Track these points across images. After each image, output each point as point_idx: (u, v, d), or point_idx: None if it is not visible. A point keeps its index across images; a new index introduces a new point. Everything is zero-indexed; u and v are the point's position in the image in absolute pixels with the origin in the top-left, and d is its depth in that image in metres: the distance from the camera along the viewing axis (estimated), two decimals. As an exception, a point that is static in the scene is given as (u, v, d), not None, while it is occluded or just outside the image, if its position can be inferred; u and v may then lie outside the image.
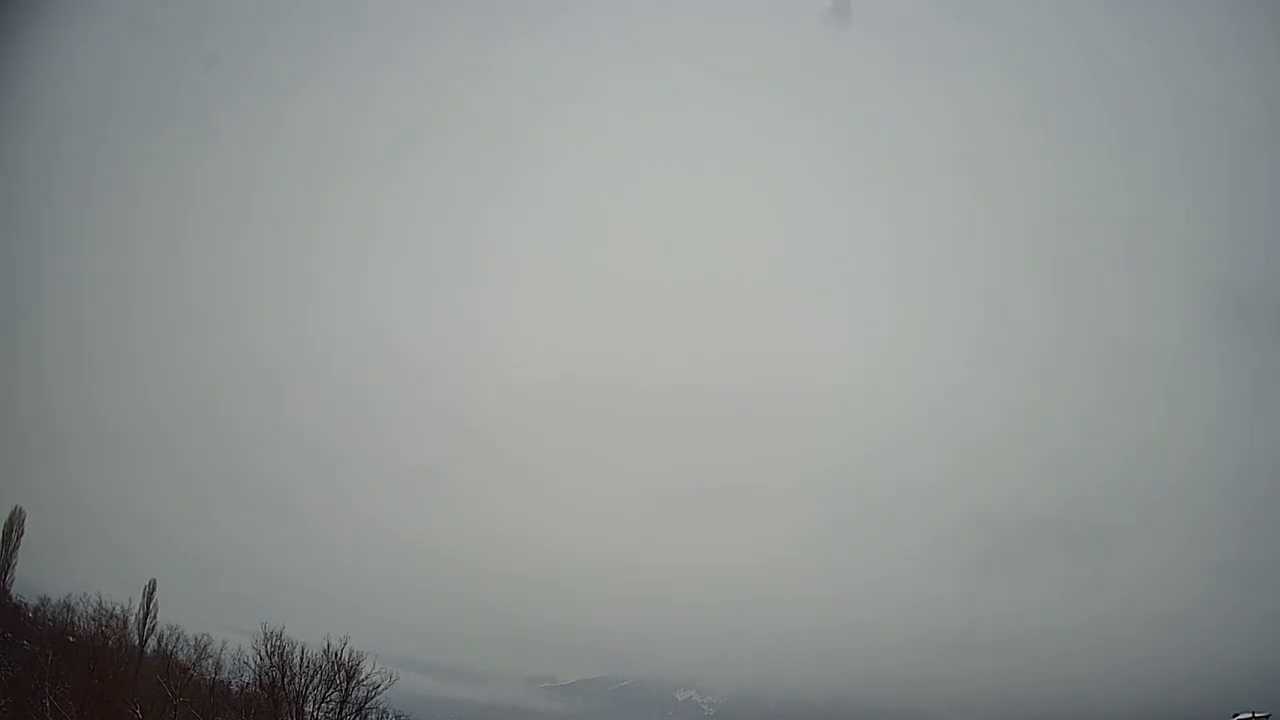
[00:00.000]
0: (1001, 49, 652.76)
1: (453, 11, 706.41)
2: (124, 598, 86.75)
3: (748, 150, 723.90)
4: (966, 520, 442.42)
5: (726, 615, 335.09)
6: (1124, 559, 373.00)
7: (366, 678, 74.80)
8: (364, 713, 76.33)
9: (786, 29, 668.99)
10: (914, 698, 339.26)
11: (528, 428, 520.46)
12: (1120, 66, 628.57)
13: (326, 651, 74.31)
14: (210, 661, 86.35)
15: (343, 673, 74.23)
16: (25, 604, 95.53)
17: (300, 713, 73.52)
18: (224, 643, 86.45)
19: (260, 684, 74.32)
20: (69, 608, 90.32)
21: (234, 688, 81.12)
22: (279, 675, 73.20)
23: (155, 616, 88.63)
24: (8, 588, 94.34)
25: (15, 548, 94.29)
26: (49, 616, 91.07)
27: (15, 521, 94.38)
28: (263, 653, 74.14)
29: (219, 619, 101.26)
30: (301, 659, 74.19)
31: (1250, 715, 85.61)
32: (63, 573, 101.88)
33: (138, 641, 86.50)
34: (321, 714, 74.72)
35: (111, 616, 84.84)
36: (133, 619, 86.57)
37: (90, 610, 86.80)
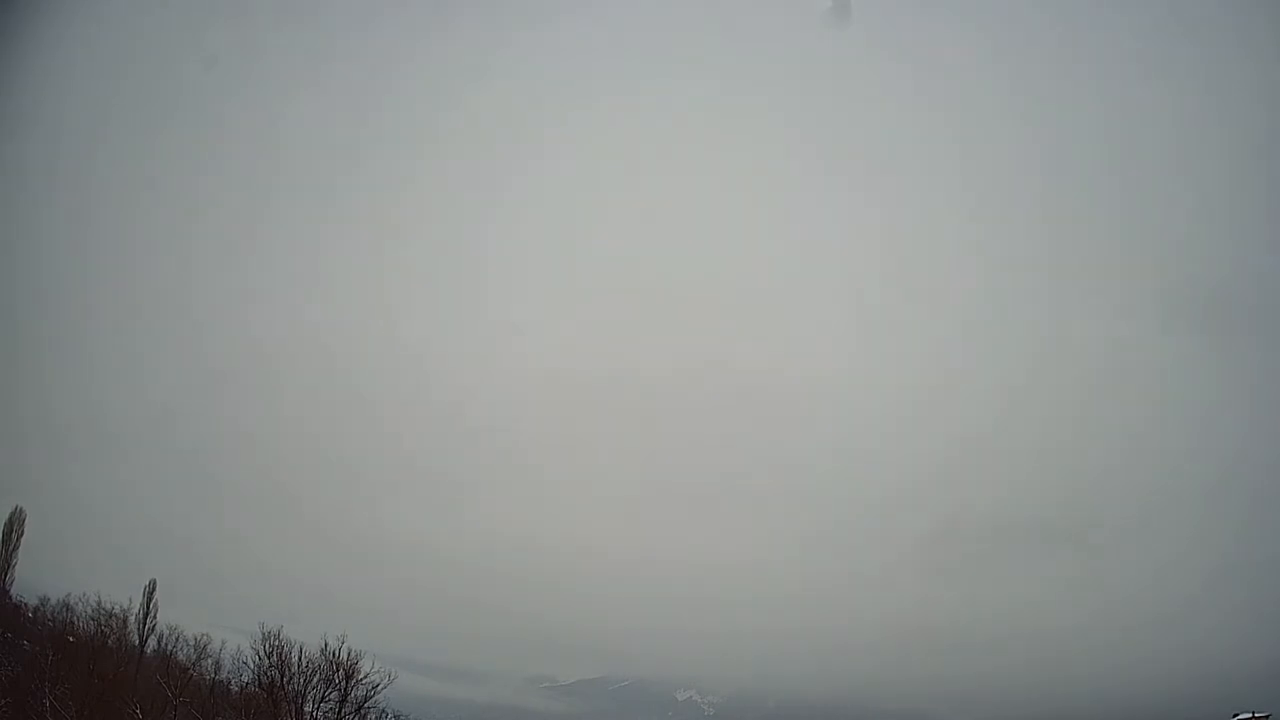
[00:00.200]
0: (996, 47, 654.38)
1: (458, 12, 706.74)
2: (124, 598, 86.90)
3: (744, 147, 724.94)
4: (962, 517, 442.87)
5: (726, 615, 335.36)
6: (1122, 558, 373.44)
7: (365, 677, 75.11)
8: (363, 712, 76.43)
9: (783, 28, 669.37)
10: (914, 698, 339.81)
11: (528, 427, 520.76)
12: (1114, 62, 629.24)
13: (325, 651, 74.61)
14: (210, 661, 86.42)
15: (341, 672, 74.37)
16: (25, 604, 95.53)
17: (299, 712, 73.61)
18: (223, 643, 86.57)
19: (259, 684, 74.42)
20: (69, 608, 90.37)
21: (234, 688, 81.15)
22: (278, 675, 73.34)
23: (155, 616, 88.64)
24: (8, 588, 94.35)
25: (15, 548, 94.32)
26: (49, 616, 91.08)
27: (15, 521, 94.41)
28: (262, 653, 74.43)
29: (219, 619, 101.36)
30: (300, 659, 74.41)
31: (1250, 715, 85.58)
32: (63, 573, 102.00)
33: (138, 641, 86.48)
34: (320, 714, 74.84)
35: (111, 616, 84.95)
36: (133, 619, 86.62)
37: (90, 610, 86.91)
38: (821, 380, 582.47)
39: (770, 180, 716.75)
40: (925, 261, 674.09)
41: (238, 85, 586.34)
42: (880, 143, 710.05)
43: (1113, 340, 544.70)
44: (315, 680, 74.42)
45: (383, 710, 79.82)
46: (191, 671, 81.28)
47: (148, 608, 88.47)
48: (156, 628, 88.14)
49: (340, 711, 74.82)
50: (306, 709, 74.24)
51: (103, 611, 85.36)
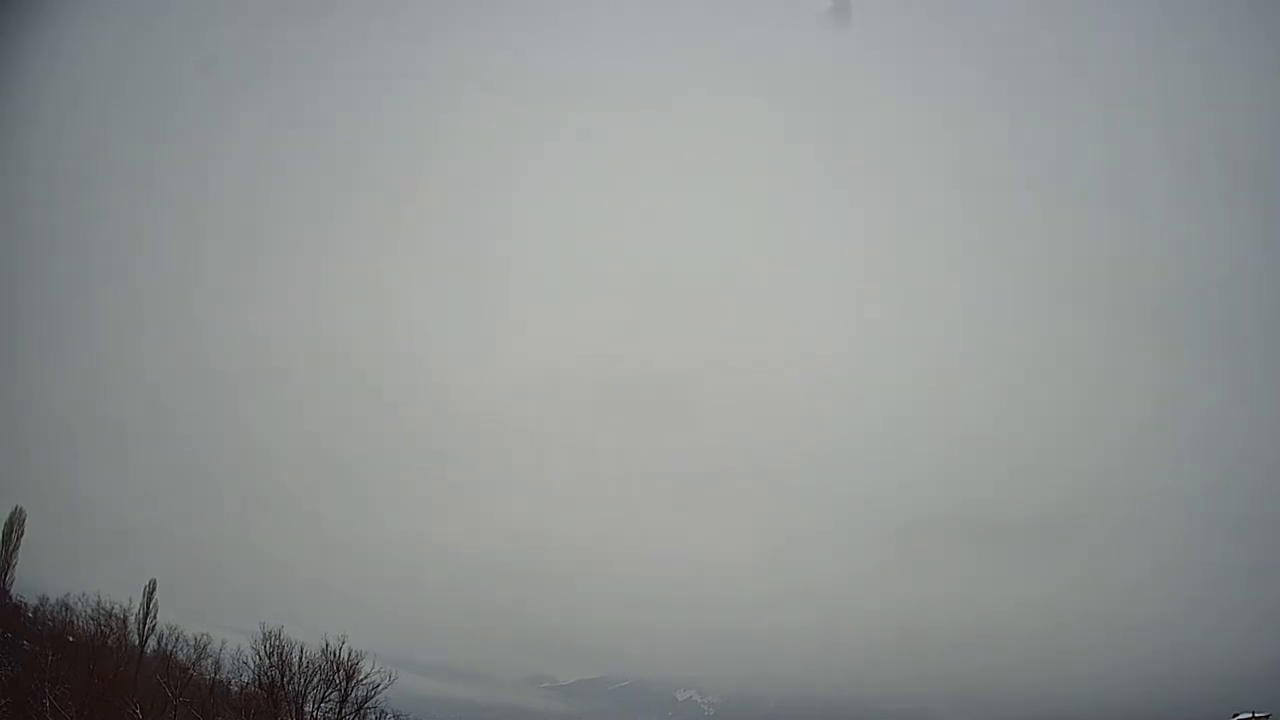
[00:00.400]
0: (996, 47, 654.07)
1: (460, 12, 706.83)
2: (124, 598, 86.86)
3: (744, 146, 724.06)
4: (962, 517, 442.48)
5: (727, 615, 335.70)
6: (1122, 557, 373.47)
7: (366, 677, 75.15)
8: (363, 712, 76.46)
9: (783, 29, 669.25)
10: (914, 698, 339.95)
11: (529, 427, 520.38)
12: (1113, 62, 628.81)
13: (325, 651, 74.64)
14: (210, 661, 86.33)
15: (342, 672, 74.38)
16: (25, 604, 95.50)
17: (300, 712, 73.61)
18: (223, 643, 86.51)
19: (260, 684, 74.42)
20: (68, 608, 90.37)
21: (234, 688, 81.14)
22: (278, 675, 73.33)
23: (155, 616, 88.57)
24: (8, 588, 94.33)
25: (15, 548, 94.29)
26: (49, 616, 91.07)
27: (15, 521, 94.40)
28: (262, 653, 74.44)
29: (219, 619, 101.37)
30: (301, 659, 74.43)
31: (1250, 715, 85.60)
32: (63, 573, 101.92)
33: (138, 641, 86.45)
34: (321, 714, 74.84)
35: (111, 616, 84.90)
36: (133, 619, 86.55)
37: (90, 610, 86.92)
38: (821, 379, 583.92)
39: (770, 180, 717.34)
40: (925, 261, 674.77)
41: (241, 85, 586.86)
42: (880, 143, 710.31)
43: (1112, 340, 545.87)
44: (315, 680, 74.48)
45: (383, 710, 79.85)
46: (191, 671, 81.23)
47: (148, 608, 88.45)
48: (156, 628, 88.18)
49: (340, 712, 74.84)
50: (307, 709, 74.24)
51: (103, 611, 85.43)
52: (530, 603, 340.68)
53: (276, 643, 74.04)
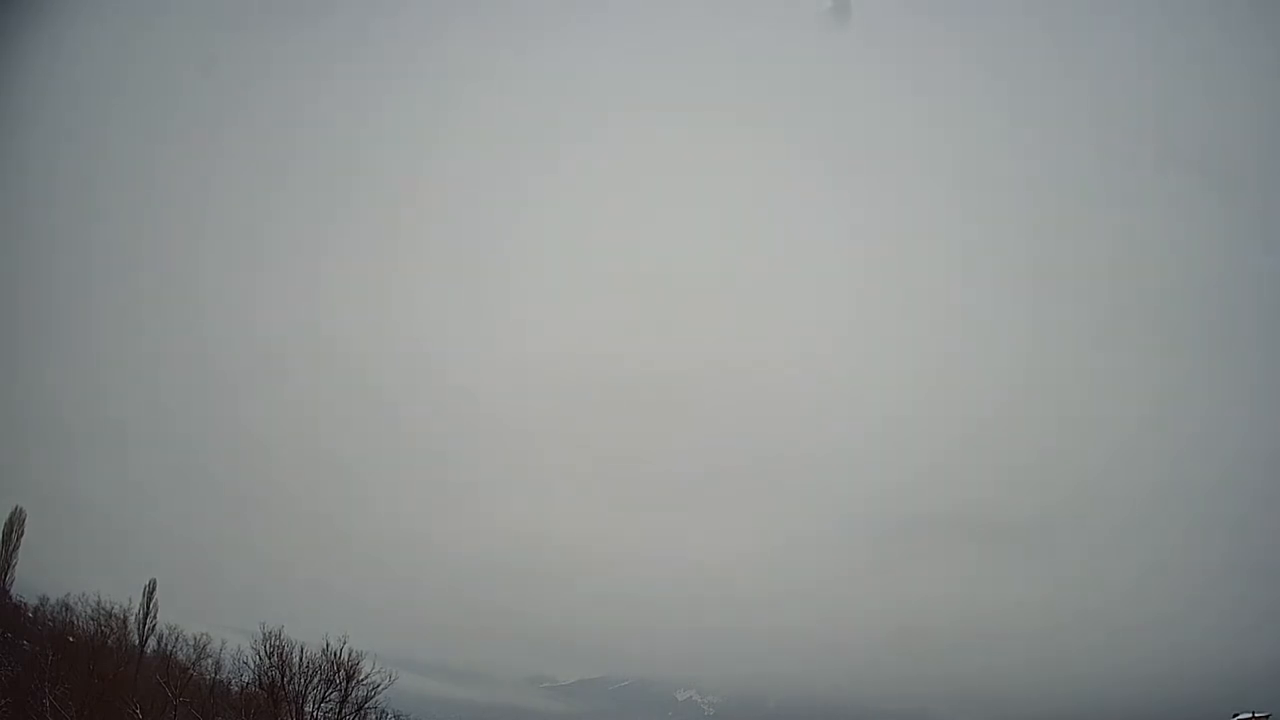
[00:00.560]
0: (996, 46, 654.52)
1: (465, 10, 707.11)
2: (124, 598, 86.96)
3: (744, 146, 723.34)
4: (963, 516, 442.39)
5: (727, 615, 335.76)
6: (1123, 557, 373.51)
7: (366, 677, 75.07)
8: (363, 712, 76.46)
9: (784, 28, 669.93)
10: (914, 698, 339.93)
11: (529, 426, 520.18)
12: (1112, 62, 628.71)
13: (326, 651, 74.60)
14: (210, 661, 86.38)
15: (342, 672, 74.37)
16: (25, 604, 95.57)
17: (300, 712, 73.60)
18: (223, 643, 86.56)
19: (260, 684, 74.41)
20: (68, 608, 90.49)
21: (234, 688, 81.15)
22: (278, 675, 73.31)
23: (155, 616, 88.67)
24: (8, 588, 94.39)
25: (15, 548, 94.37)
26: (49, 616, 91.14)
27: (15, 521, 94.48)
28: (262, 653, 74.39)
29: (219, 619, 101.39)
30: (301, 659, 74.39)
31: (1250, 715, 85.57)
32: (63, 573, 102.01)
33: (137, 641, 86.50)
34: (321, 714, 74.82)
35: (111, 616, 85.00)
36: (132, 619, 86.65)
37: (90, 610, 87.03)
38: (821, 379, 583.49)
39: (771, 179, 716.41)
40: (924, 261, 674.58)
41: (241, 85, 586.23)
42: (881, 142, 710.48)
43: (1112, 339, 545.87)
44: (316, 680, 74.43)
45: (383, 710, 79.90)
46: (191, 671, 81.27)
47: (148, 608, 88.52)
48: (156, 628, 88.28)
49: (341, 712, 74.83)
50: (307, 709, 74.21)
51: (103, 611, 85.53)
52: (530, 603, 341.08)
53: (276, 643, 74.02)
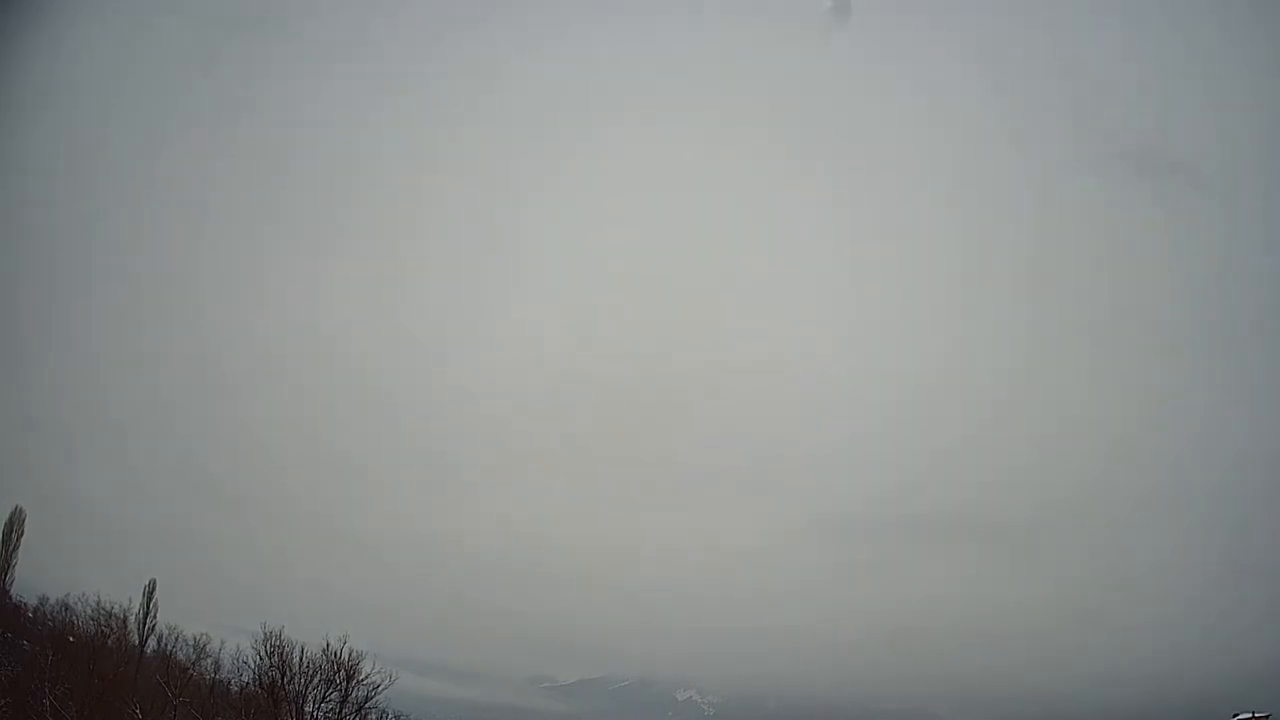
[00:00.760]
0: (996, 45, 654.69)
1: (469, 13, 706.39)
2: (124, 598, 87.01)
3: (744, 145, 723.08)
4: (963, 516, 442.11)
5: (727, 615, 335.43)
6: (1123, 557, 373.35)
7: (366, 677, 75.03)
8: (364, 712, 76.44)
9: (784, 28, 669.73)
10: (914, 698, 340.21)
11: (530, 427, 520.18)
12: (1114, 62, 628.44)
13: (326, 651, 74.57)
14: (210, 661, 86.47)
15: (342, 672, 74.37)
16: (25, 604, 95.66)
17: (300, 712, 73.60)
18: (223, 643, 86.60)
19: (260, 684, 74.42)
20: (68, 608, 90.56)
21: (234, 688, 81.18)
22: (279, 675, 73.30)
23: (155, 616, 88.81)
24: (8, 588, 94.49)
25: (15, 548, 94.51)
26: (49, 616, 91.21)
27: (15, 521, 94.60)
28: (262, 653, 74.37)
29: (219, 619, 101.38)
30: (301, 659, 74.37)
31: (1250, 715, 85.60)
32: (63, 573, 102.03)
33: (137, 641, 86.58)
34: (321, 714, 74.81)
35: (111, 616, 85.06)
36: (132, 619, 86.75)
37: (90, 610, 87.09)
38: (822, 377, 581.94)
39: (770, 180, 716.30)
40: (925, 260, 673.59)
41: (245, 83, 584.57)
42: (880, 142, 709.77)
43: (1112, 338, 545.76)
44: (316, 680, 74.43)
45: (383, 710, 79.86)
46: (191, 671, 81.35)
47: (148, 608, 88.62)
48: (156, 628, 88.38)
49: (341, 712, 74.83)
50: (307, 709, 74.21)
51: (103, 611, 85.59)
52: (530, 603, 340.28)
53: (277, 643, 74.00)
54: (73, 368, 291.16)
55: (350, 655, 74.44)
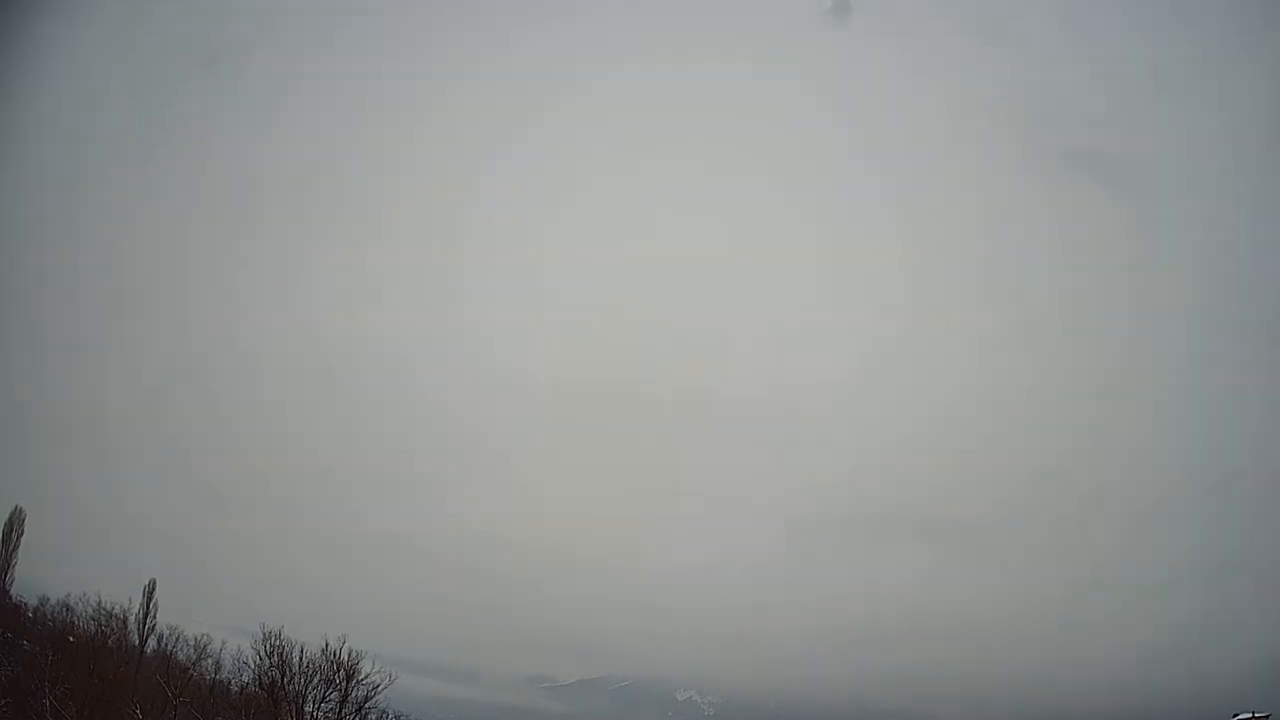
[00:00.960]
0: (997, 44, 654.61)
1: (444, 12, 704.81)
2: (124, 598, 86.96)
3: (745, 148, 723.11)
4: (964, 517, 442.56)
5: (727, 615, 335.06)
6: (1124, 557, 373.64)
7: (366, 677, 75.14)
8: (363, 712, 76.48)
9: (783, 27, 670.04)
10: (914, 698, 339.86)
11: (530, 428, 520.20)
12: (1120, 62, 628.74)
13: (325, 651, 74.64)
14: (210, 661, 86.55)
15: (342, 672, 74.44)
16: (25, 604, 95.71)
17: (300, 712, 73.64)
18: (224, 643, 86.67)
19: (260, 684, 74.48)
20: (69, 608, 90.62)
21: (234, 688, 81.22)
22: (278, 675, 73.37)
23: (155, 616, 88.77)
24: (8, 588, 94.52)
25: (15, 548, 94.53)
26: (49, 616, 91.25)
27: (15, 521, 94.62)
28: (262, 653, 74.48)
29: (219, 619, 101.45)
30: (301, 659, 74.43)
31: (1250, 715, 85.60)
32: (63, 573, 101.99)
33: (138, 641, 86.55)
34: (321, 714, 74.87)
35: (111, 616, 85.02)
36: (133, 619, 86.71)
37: (90, 610, 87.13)
38: (821, 382, 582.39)
39: (769, 179, 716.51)
40: (935, 263, 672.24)
41: (227, 86, 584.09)
42: (881, 142, 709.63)
43: (1122, 341, 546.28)
44: (316, 680, 74.50)
45: (383, 710, 79.87)
46: (191, 671, 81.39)
47: (148, 608, 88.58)
48: (156, 628, 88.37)
49: (340, 712, 74.88)
50: (307, 709, 74.26)
51: (103, 611, 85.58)
52: (530, 603, 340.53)
53: (276, 643, 74.10)
54: (73, 368, 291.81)
55: (350, 655, 74.66)
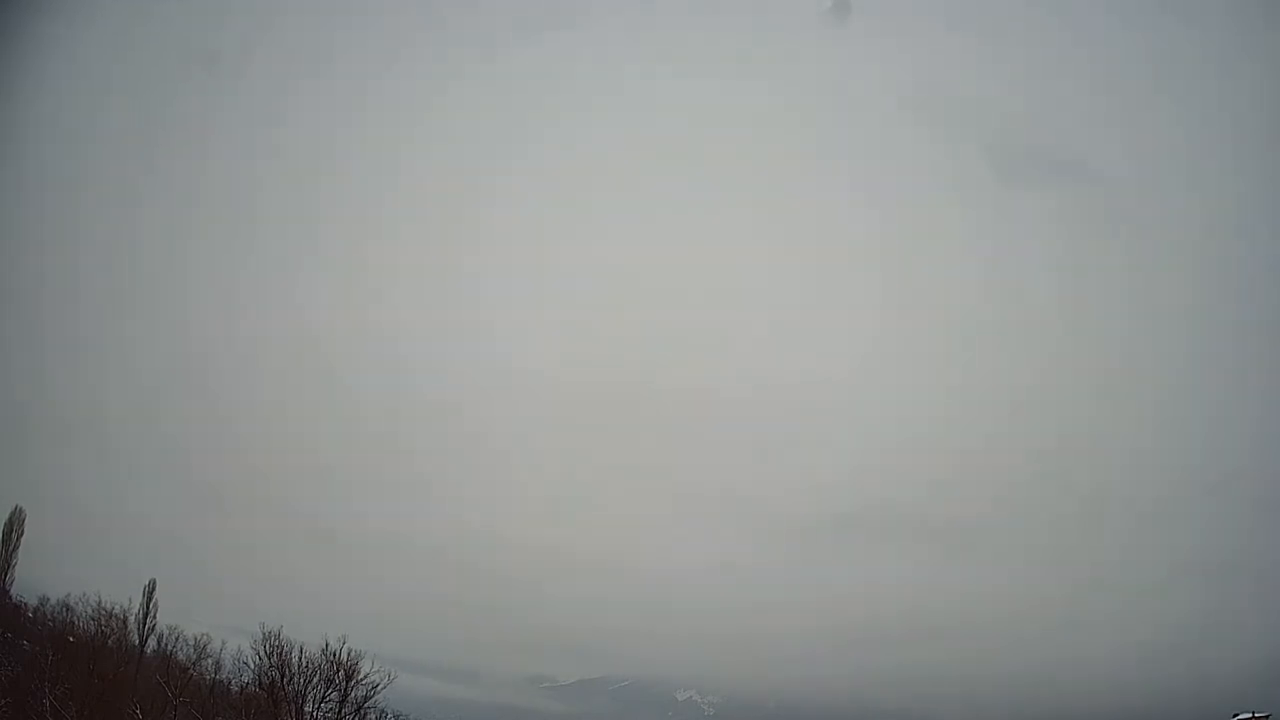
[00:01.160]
0: (998, 44, 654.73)
1: (450, 11, 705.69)
2: (124, 598, 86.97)
3: (746, 151, 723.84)
4: (965, 518, 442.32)
5: (727, 616, 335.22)
6: (1125, 557, 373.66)
7: (365, 677, 75.17)
8: (363, 712, 76.51)
9: (784, 27, 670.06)
10: (914, 698, 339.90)
11: (530, 430, 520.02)
12: (1122, 62, 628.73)
13: (325, 651, 74.66)
14: (210, 661, 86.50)
15: (342, 672, 74.44)
16: (25, 604, 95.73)
17: (299, 712, 73.66)
18: (224, 643, 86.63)
19: (260, 684, 74.49)
20: (69, 608, 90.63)
21: (234, 688, 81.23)
22: (278, 675, 73.38)
23: (155, 616, 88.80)
24: (8, 588, 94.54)
25: (15, 548, 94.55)
26: (49, 616, 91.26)
27: (15, 521, 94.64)
28: (262, 653, 74.46)
29: (219, 619, 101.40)
30: (300, 659, 74.44)
31: (1250, 715, 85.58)
32: (63, 573, 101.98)
33: (138, 641, 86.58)
34: (321, 714, 74.88)
35: (111, 616, 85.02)
36: (133, 619, 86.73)
37: (90, 610, 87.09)
38: (821, 382, 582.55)
39: (771, 183, 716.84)
40: (936, 263, 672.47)
41: (228, 85, 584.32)
42: (880, 142, 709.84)
43: (1122, 341, 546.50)
44: (315, 680, 74.51)
45: (383, 710, 79.94)
46: (191, 671, 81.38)
47: (148, 608, 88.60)
48: (156, 628, 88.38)
49: (340, 712, 74.90)
50: (307, 709, 74.28)
51: (103, 611, 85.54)
52: (531, 603, 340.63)
53: (276, 643, 74.11)
54: (73, 368, 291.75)
55: (349, 655, 74.67)
